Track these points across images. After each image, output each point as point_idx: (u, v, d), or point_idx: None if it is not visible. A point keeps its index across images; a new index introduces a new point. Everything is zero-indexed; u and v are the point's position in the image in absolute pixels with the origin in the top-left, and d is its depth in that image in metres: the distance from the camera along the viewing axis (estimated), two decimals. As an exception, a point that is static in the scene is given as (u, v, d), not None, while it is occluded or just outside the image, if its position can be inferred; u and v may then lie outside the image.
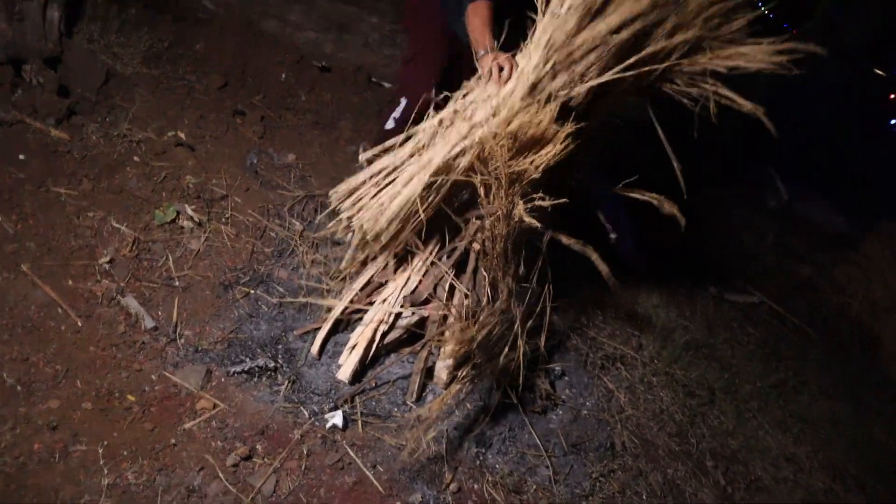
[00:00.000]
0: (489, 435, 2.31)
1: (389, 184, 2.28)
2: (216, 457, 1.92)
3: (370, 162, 2.40)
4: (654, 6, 2.05)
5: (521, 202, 1.84)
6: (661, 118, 2.28)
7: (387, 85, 4.00)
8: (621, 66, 2.12)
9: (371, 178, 2.32)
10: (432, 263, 2.37)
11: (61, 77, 2.94)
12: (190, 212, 2.63)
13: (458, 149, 2.13)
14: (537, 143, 1.96)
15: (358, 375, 2.31)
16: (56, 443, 1.80)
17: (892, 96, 6.34)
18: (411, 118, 2.61)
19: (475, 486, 2.15)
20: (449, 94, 2.26)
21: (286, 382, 2.20)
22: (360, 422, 2.18)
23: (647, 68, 2.16)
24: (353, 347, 2.30)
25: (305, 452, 2.02)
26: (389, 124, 2.70)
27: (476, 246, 2.28)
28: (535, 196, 1.89)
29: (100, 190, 2.60)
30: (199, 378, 2.10)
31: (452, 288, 2.27)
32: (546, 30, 2.09)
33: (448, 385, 2.31)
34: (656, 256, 3.66)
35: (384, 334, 2.34)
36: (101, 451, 1.82)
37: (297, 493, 1.91)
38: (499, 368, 2.19)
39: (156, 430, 1.94)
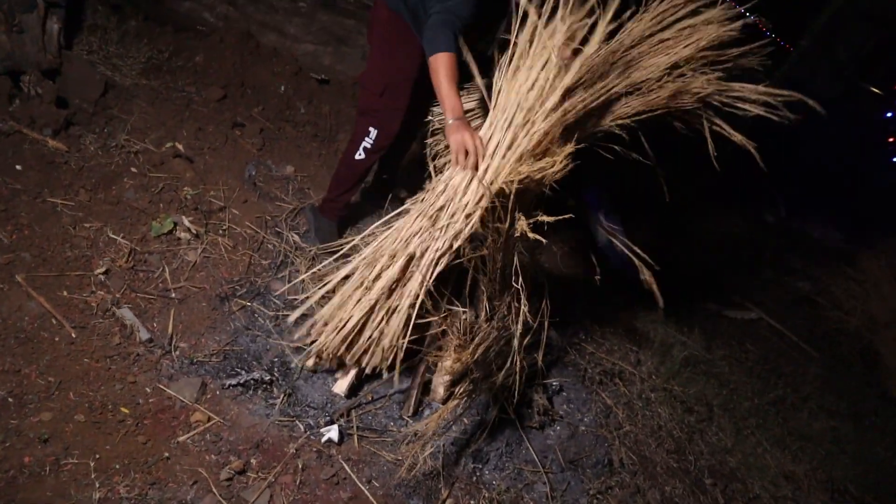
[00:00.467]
0: (486, 450, 2.29)
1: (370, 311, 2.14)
2: (210, 471, 1.89)
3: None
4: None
5: (522, 218, 1.82)
6: (656, 133, 2.26)
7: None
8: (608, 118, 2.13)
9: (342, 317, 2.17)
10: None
11: (60, 88, 2.94)
12: (187, 223, 2.61)
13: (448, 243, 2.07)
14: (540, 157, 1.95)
15: (354, 389, 2.29)
16: (47, 456, 1.78)
17: (889, 114, 6.37)
18: (383, 149, 2.59)
19: (471, 502, 2.13)
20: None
21: (282, 396, 2.18)
22: (356, 436, 2.15)
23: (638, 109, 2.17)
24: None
25: (300, 467, 2.00)
26: (359, 155, 2.58)
27: (473, 262, 2.26)
28: (536, 213, 1.87)
29: (97, 201, 2.58)
30: (193, 391, 2.08)
31: (450, 303, 2.25)
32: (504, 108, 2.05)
33: (445, 400, 2.30)
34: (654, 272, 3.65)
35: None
36: (92, 464, 1.80)
37: (292, 509, 1.89)
38: (496, 384, 2.17)
39: (149, 444, 1.91)
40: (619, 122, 2.17)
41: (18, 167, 2.58)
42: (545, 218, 1.83)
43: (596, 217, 3.58)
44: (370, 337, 2.11)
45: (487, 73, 2.65)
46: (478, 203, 2.00)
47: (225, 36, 3.71)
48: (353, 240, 2.47)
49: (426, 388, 2.36)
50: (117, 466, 1.82)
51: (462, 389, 2.08)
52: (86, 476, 1.77)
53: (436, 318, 2.09)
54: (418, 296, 2.04)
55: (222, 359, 2.25)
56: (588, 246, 3.53)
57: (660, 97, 2.13)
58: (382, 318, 2.09)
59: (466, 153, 2.01)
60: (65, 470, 1.76)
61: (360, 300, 2.10)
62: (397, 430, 2.24)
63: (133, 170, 2.77)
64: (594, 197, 3.58)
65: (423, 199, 2.13)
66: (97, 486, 1.75)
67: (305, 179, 3.22)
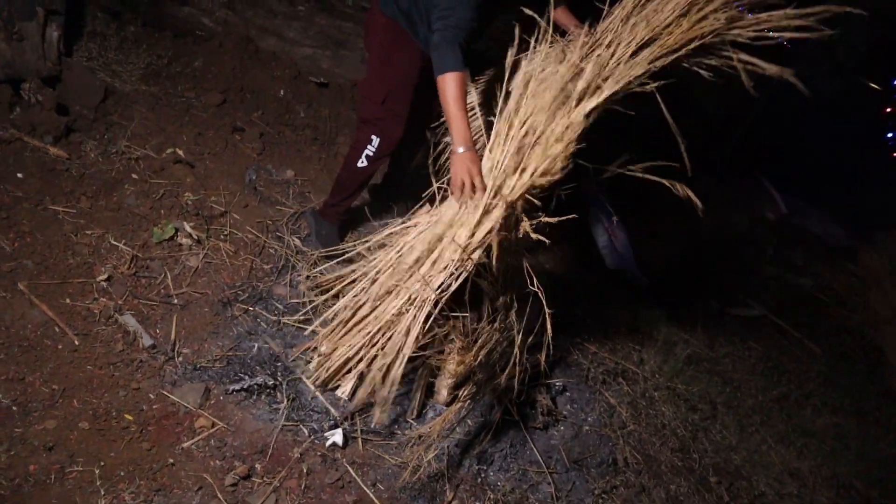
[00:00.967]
0: (490, 452, 2.29)
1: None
2: (215, 476, 1.89)
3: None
4: None
5: (525, 219, 1.82)
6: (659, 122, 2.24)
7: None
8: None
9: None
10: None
11: (60, 95, 2.95)
12: (188, 229, 2.62)
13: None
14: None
15: (358, 392, 2.29)
16: (52, 464, 1.78)
17: (888, 109, 6.37)
18: (385, 156, 2.59)
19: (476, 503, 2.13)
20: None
21: (285, 400, 2.18)
22: (360, 439, 2.15)
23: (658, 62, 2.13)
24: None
25: (305, 471, 2.00)
26: (362, 162, 2.57)
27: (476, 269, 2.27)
28: (538, 215, 1.87)
29: (98, 208, 2.59)
30: (197, 396, 2.08)
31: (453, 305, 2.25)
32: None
33: (449, 403, 2.30)
34: (656, 271, 3.66)
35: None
36: (97, 471, 1.80)
37: (297, 514, 1.89)
38: (500, 385, 2.18)
39: (153, 450, 1.91)
40: (640, 71, 2.12)
41: (20, 175, 2.58)
42: (548, 219, 1.82)
43: (596, 216, 3.58)
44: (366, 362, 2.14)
45: (484, 75, 2.65)
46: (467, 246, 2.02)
47: (224, 41, 3.71)
48: (355, 244, 2.49)
49: (429, 389, 2.36)
50: (122, 473, 1.82)
51: (466, 392, 2.08)
52: (91, 483, 1.77)
53: (438, 320, 2.10)
54: (414, 334, 2.06)
55: (225, 364, 2.25)
56: (589, 245, 3.53)
57: (680, 36, 2.05)
58: (380, 348, 2.12)
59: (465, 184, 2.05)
60: (70, 478, 1.77)
61: (358, 329, 2.14)
62: (401, 433, 2.24)
63: (134, 176, 2.78)
64: (594, 196, 3.58)
65: (419, 225, 2.15)
66: (102, 493, 1.75)
67: (306, 183, 3.22)
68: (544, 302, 1.96)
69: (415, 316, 2.05)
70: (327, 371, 2.19)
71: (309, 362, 2.27)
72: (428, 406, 2.35)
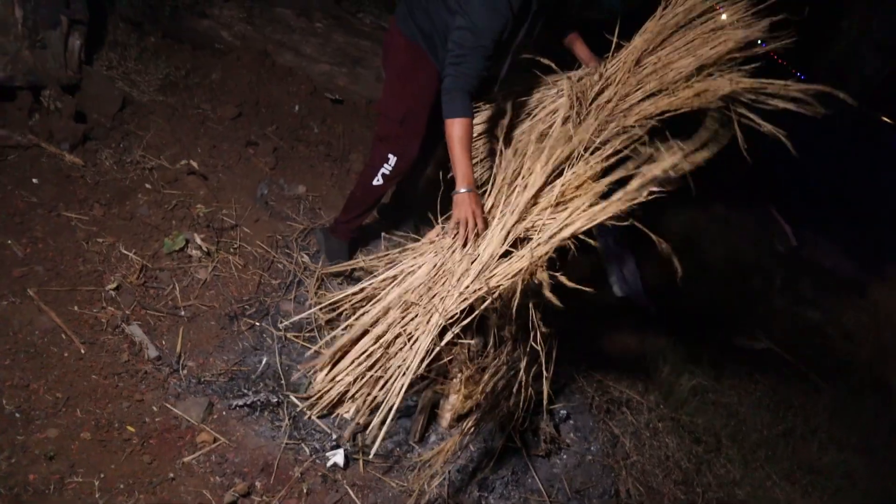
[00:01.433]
0: (492, 479, 2.27)
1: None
2: (214, 493, 1.88)
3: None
4: None
5: (544, 272, 1.84)
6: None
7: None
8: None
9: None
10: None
11: (78, 103, 2.98)
12: (199, 241, 2.63)
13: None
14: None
15: (359, 414, 2.28)
16: (52, 474, 1.77)
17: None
18: (401, 175, 2.61)
19: (476, 531, 2.11)
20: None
21: (287, 418, 2.17)
22: (361, 461, 2.14)
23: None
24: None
25: (305, 491, 1.98)
26: (377, 181, 2.59)
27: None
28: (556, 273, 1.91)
29: (110, 216, 2.60)
30: (200, 410, 2.07)
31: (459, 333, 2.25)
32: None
33: (451, 427, 2.28)
34: (663, 300, 3.64)
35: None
36: (97, 483, 1.79)
37: (295, 534, 1.87)
38: (503, 412, 2.16)
39: (154, 464, 1.91)
40: (644, 121, 2.19)
41: (35, 180, 2.61)
42: (566, 282, 1.85)
43: (605, 244, 3.57)
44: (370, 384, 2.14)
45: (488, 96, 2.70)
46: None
47: (242, 55, 3.75)
48: (362, 261, 2.50)
49: (432, 412, 2.34)
50: (122, 486, 1.81)
51: (470, 423, 2.06)
52: (90, 495, 1.76)
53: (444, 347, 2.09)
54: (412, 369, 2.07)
55: (229, 379, 2.25)
56: (596, 273, 3.52)
57: (686, 97, 2.15)
58: (384, 371, 2.13)
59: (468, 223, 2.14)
60: (69, 488, 1.76)
61: (362, 351, 2.14)
62: (403, 455, 2.22)
63: (147, 186, 2.80)
64: (602, 224, 3.58)
65: (429, 248, 2.19)
66: (101, 505, 1.74)
67: (317, 199, 3.23)
68: (550, 328, 1.95)
69: (420, 340, 2.05)
70: (329, 396, 2.18)
71: (311, 384, 2.26)
72: (430, 429, 2.34)
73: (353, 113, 3.90)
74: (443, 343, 2.04)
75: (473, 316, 2.02)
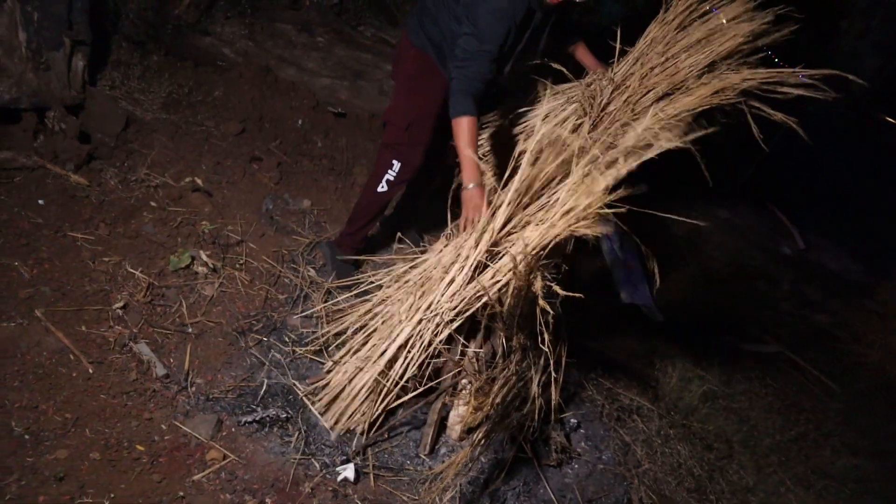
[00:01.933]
0: (503, 490, 2.25)
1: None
2: (224, 511, 1.87)
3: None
4: None
5: (539, 277, 1.83)
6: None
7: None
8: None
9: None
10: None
11: (82, 123, 3.00)
12: (205, 257, 2.63)
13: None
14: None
15: (370, 426, 2.27)
16: (62, 495, 1.77)
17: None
18: (405, 181, 2.64)
19: (489, 544, 2.09)
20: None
21: (297, 433, 2.16)
22: (371, 475, 2.13)
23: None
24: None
25: (315, 507, 1.97)
26: (382, 187, 2.63)
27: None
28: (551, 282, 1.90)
29: (116, 235, 2.61)
30: (209, 428, 2.07)
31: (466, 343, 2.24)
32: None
33: (461, 438, 2.27)
34: (672, 305, 3.62)
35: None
36: (107, 503, 1.78)
37: (307, 551, 1.86)
38: (513, 422, 2.15)
39: (164, 482, 1.90)
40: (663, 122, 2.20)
41: (41, 201, 2.62)
42: (560, 291, 1.85)
43: (611, 250, 3.55)
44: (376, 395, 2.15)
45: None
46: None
47: (244, 71, 3.77)
48: (369, 275, 2.49)
49: (442, 424, 2.33)
50: (132, 506, 1.80)
51: (480, 434, 2.05)
52: (101, 516, 1.75)
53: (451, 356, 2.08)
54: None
55: (238, 395, 2.24)
56: (604, 279, 3.50)
57: (704, 94, 2.16)
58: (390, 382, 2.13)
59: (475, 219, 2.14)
60: (80, 509, 1.75)
61: (368, 359, 2.14)
62: (414, 469, 2.21)
63: (152, 204, 2.81)
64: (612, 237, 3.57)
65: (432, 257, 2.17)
66: (112, 526, 1.74)
67: (322, 213, 3.24)
68: (559, 337, 1.95)
69: (421, 346, 2.05)
70: (337, 409, 2.18)
71: (320, 399, 2.26)
72: (441, 441, 2.32)
73: (355, 126, 3.91)
74: (438, 339, 2.03)
75: (469, 313, 2.01)
